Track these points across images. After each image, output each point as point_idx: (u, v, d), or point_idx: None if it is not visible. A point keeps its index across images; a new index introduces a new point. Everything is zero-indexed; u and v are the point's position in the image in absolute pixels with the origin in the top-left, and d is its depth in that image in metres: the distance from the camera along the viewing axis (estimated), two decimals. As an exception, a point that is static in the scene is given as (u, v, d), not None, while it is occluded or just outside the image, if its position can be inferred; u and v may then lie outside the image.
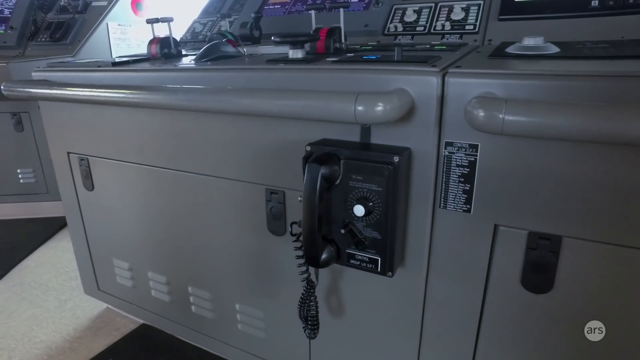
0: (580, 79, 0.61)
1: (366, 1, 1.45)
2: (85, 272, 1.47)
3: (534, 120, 0.55)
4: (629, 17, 1.08)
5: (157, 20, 1.29)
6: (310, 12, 1.52)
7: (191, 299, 1.22)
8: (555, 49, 0.83)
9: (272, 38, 0.89)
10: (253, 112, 0.77)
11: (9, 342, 1.42)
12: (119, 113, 1.11)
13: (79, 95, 1.01)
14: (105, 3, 2.21)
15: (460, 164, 0.73)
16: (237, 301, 1.13)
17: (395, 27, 1.35)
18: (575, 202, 0.66)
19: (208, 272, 1.15)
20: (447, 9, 1.33)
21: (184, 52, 1.35)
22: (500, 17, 1.23)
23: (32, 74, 1.27)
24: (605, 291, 0.68)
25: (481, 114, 0.59)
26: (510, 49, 0.87)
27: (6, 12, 2.17)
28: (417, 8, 1.37)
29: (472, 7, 1.30)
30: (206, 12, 1.84)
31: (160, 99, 0.87)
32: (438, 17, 1.32)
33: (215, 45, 1.03)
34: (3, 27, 2.13)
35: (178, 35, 1.65)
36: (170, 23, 1.26)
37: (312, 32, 1.00)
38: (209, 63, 0.98)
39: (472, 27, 1.26)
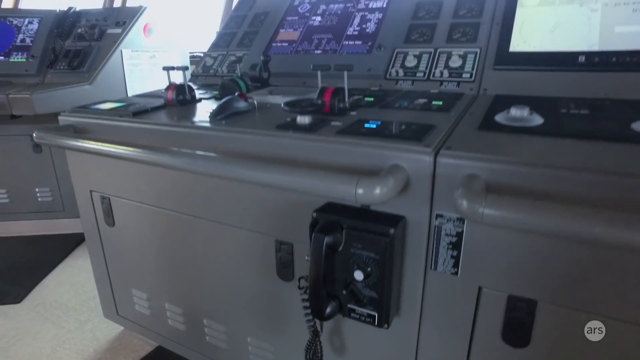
0: (559, 170, 0.70)
1: (369, 44, 1.53)
2: (105, 298, 1.58)
3: (509, 216, 0.64)
4: (612, 74, 1.16)
5: (172, 68, 1.38)
6: (316, 51, 1.63)
7: (206, 330, 1.32)
8: (539, 120, 0.91)
9: (282, 105, 0.98)
10: (263, 184, 0.85)
11: (35, 364, 1.54)
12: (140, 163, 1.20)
13: (103, 150, 1.09)
14: (119, 31, 2.31)
15: (449, 233, 0.82)
16: (249, 335, 1.22)
17: (397, 72, 1.43)
18: (549, 272, 0.74)
19: (222, 307, 1.25)
20: (445, 55, 1.41)
21: (197, 95, 1.44)
22: (495, 67, 1.31)
23: (59, 118, 1.37)
24: (576, 351, 0.77)
25: (464, 205, 0.67)
26: (499, 118, 0.95)
27: (27, 40, 2.27)
28: (417, 53, 1.45)
29: (469, 55, 1.38)
30: (216, 45, 1.93)
31: (177, 163, 0.95)
32: (437, 63, 1.40)
33: (228, 102, 1.12)
34: (25, 56, 2.23)
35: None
36: (185, 71, 1.35)
37: (318, 90, 1.08)
38: (223, 122, 1.06)
39: (468, 75, 1.34)
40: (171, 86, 1.35)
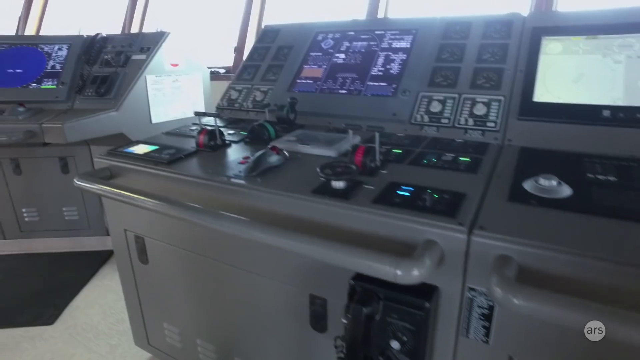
0: (589, 259, 0.73)
1: (394, 87, 1.57)
2: (136, 328, 1.65)
3: (543, 310, 0.68)
4: (637, 130, 1.18)
5: (204, 114, 1.44)
6: (341, 91, 1.67)
7: (236, 367, 1.38)
8: (568, 191, 0.95)
9: (318, 171, 1.02)
10: (300, 254, 0.90)
11: (71, 389, 1.62)
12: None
13: (139, 201, 1.15)
14: (144, 57, 2.37)
15: (481, 305, 0.86)
16: (279, 376, 1.28)
17: (422, 117, 1.47)
18: (575, 349, 0.78)
19: (254, 348, 1.31)
20: (470, 102, 1.44)
21: (226, 136, 1.48)
22: (520, 117, 1.34)
23: (94, 160, 1.44)
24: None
25: (498, 293, 0.71)
26: (527, 186, 0.98)
27: (57, 66, 2.34)
28: (441, 98, 1.49)
29: (493, 103, 1.41)
30: (240, 78, 1.97)
31: (212, 224, 1.00)
32: (461, 110, 1.43)
33: (261, 157, 1.17)
34: (55, 82, 2.30)
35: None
36: (217, 119, 1.40)
37: (350, 147, 1.13)
38: (258, 180, 1.11)
39: (493, 124, 1.37)
40: (203, 131, 1.40)
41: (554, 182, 0.96)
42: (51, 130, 2.01)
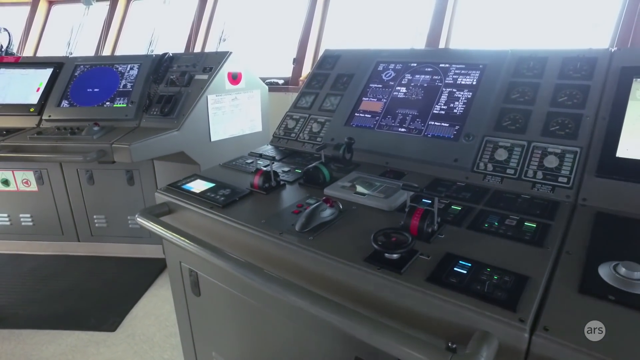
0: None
1: (456, 128, 1.48)
2: (187, 350, 1.72)
3: None
4: None
5: (260, 156, 1.45)
6: (400, 129, 1.60)
7: (279, 408, 1.39)
8: (653, 286, 0.83)
9: (372, 243, 0.98)
10: (347, 333, 0.87)
11: (128, 401, 1.73)
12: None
13: (191, 249, 1.18)
14: (206, 77, 2.45)
15: (542, 411, 0.78)
16: None
17: (485, 165, 1.38)
18: None
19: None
20: (540, 152, 1.32)
21: (281, 179, 1.47)
22: (598, 174, 1.21)
23: (155, 194, 1.50)
24: None
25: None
26: (603, 272, 0.88)
27: (128, 86, 2.50)
28: (508, 145, 1.38)
29: (567, 155, 1.28)
30: (297, 106, 1.97)
31: (259, 283, 1.01)
32: (530, 161, 1.32)
33: (314, 211, 1.16)
34: (125, 101, 2.46)
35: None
36: (273, 164, 1.41)
37: (406, 210, 1.08)
38: (310, 238, 1.10)
39: (565, 180, 1.25)
40: (259, 172, 1.41)
41: (637, 273, 0.85)
42: (119, 150, 2.15)
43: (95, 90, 2.51)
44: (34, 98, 2.60)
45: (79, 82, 2.58)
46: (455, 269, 0.93)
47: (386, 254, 0.98)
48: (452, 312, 0.85)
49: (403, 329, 0.86)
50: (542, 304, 0.82)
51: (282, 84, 3.78)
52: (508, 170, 1.34)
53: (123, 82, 2.52)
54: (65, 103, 2.52)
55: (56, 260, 2.79)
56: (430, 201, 1.09)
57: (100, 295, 2.41)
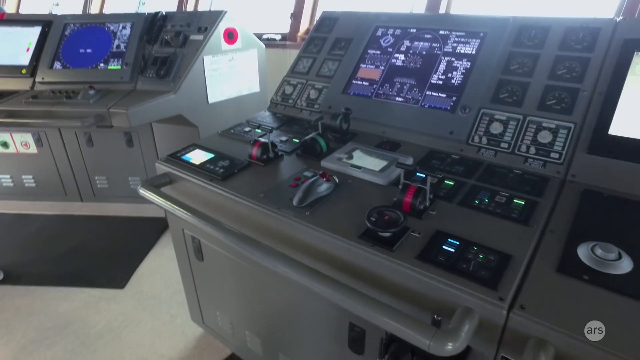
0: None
1: (453, 99, 1.48)
2: (193, 308, 1.83)
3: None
4: None
5: (258, 126, 1.46)
6: (398, 98, 1.60)
7: (280, 362, 1.52)
8: (628, 267, 0.89)
9: (366, 221, 1.03)
10: (338, 305, 0.94)
11: (142, 353, 1.86)
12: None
13: (194, 221, 1.23)
14: (201, 37, 2.38)
15: (515, 377, 0.87)
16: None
17: (480, 138, 1.40)
18: None
19: (298, 349, 1.42)
20: (535, 126, 1.34)
21: (279, 149, 1.49)
22: (589, 151, 1.23)
23: (156, 164, 1.53)
24: None
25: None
26: (581, 252, 0.93)
27: (122, 46, 2.43)
28: (504, 118, 1.39)
29: (561, 130, 1.30)
30: (295, 71, 1.94)
31: (258, 257, 1.07)
32: (524, 135, 1.34)
33: (311, 187, 1.20)
34: (120, 62, 2.40)
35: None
36: (271, 133, 1.42)
37: (400, 187, 1.12)
38: (307, 213, 1.15)
39: (557, 155, 1.28)
40: (257, 143, 1.43)
41: (612, 255, 0.90)
42: (117, 115, 2.14)
43: (88, 50, 2.44)
44: (24, 59, 2.53)
45: (70, 42, 2.50)
46: (443, 247, 0.99)
47: (379, 232, 1.03)
48: (438, 289, 0.91)
49: (393, 302, 0.93)
50: (522, 282, 0.88)
51: (280, 40, 3.66)
52: (502, 144, 1.36)
53: (116, 42, 2.45)
54: (57, 65, 2.47)
55: (61, 220, 2.87)
56: (424, 175, 1.13)
57: (107, 254, 2.51)
